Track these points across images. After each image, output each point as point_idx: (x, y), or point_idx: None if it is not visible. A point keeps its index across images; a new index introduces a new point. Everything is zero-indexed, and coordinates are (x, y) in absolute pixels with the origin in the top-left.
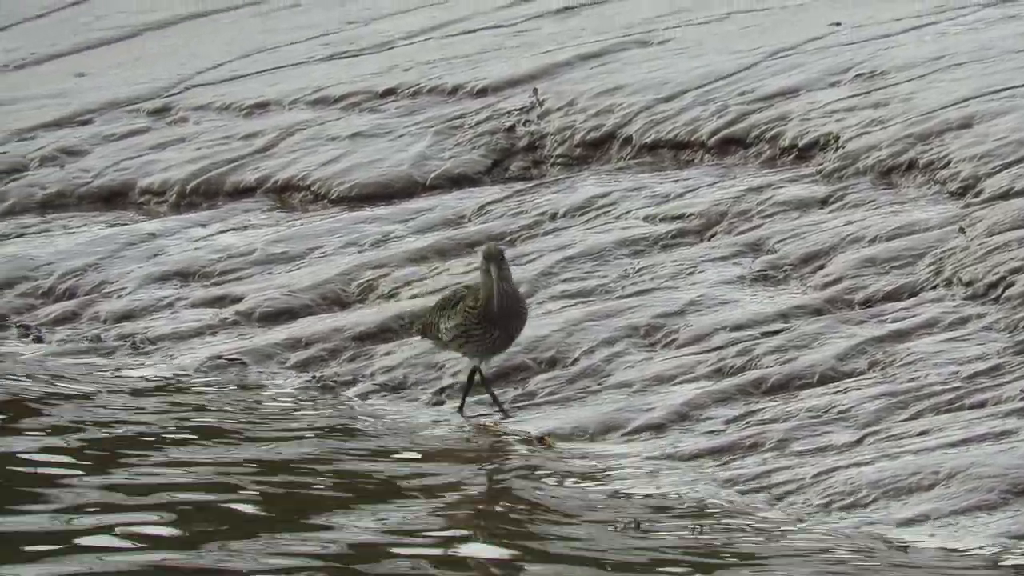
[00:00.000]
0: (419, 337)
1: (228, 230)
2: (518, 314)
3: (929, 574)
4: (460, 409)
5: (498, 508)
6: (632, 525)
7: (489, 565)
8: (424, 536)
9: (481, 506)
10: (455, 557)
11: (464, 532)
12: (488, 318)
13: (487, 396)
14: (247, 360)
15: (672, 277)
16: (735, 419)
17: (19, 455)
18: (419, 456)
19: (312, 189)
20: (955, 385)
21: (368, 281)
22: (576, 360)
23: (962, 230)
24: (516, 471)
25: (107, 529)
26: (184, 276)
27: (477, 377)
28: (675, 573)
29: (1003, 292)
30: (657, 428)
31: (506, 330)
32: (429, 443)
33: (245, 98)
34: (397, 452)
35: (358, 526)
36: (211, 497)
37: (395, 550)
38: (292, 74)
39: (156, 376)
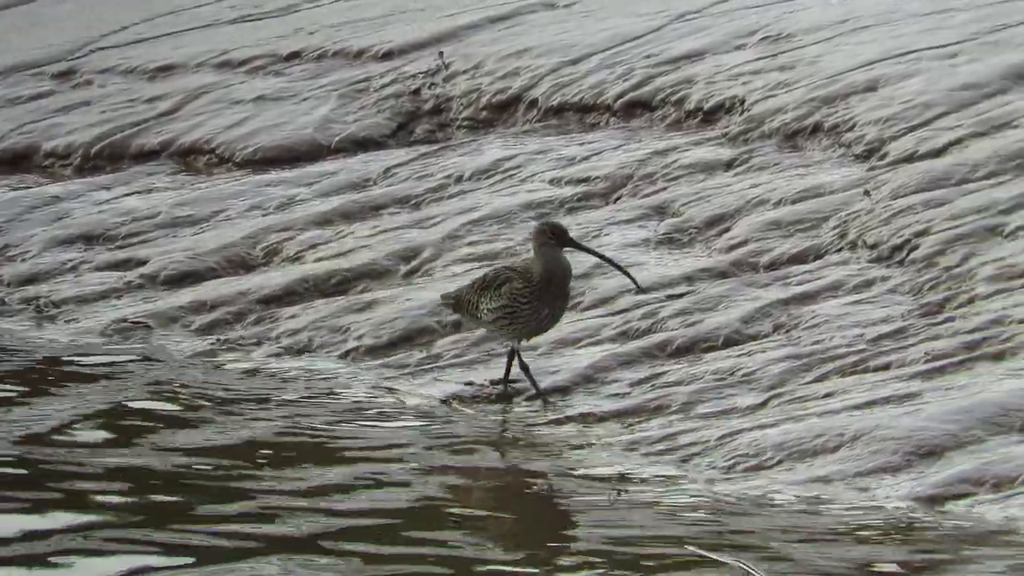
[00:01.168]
0: (450, 311)
1: (132, 193)
2: (567, 293)
3: (831, 534)
4: (503, 385)
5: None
6: (546, 489)
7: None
8: None
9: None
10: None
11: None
12: (545, 299)
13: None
14: (152, 323)
15: (578, 240)
16: (640, 382)
17: None
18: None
19: (217, 152)
20: (860, 348)
21: (273, 244)
22: None
23: (867, 193)
24: (420, 433)
25: None
26: (88, 239)
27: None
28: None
29: (908, 255)
30: (562, 391)
31: (554, 309)
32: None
33: (150, 61)
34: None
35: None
36: None
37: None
38: (197, 37)
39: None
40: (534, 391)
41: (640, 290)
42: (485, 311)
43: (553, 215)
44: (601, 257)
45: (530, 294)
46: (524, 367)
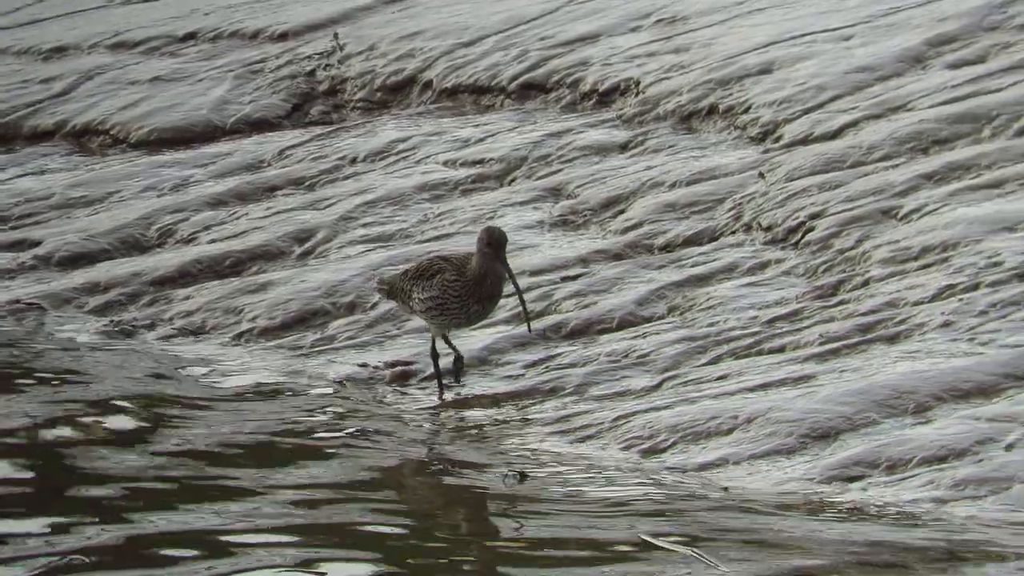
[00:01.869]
0: (384, 297)
1: (26, 174)
2: (500, 294)
3: (728, 515)
4: (439, 380)
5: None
6: (444, 468)
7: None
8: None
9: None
10: None
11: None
12: (476, 295)
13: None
14: (45, 305)
15: (472, 222)
16: (535, 364)
17: None
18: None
19: (111, 133)
20: (754, 330)
21: (167, 225)
22: (375, 305)
23: (762, 175)
24: (312, 412)
25: None
26: None
27: (437, 347)
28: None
29: (803, 237)
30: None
31: (484, 308)
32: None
33: (44, 42)
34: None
35: None
36: None
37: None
38: (92, 18)
39: None
40: (432, 372)
41: (529, 330)
42: (417, 300)
43: (448, 197)
44: (515, 286)
45: (461, 288)
46: (435, 356)
